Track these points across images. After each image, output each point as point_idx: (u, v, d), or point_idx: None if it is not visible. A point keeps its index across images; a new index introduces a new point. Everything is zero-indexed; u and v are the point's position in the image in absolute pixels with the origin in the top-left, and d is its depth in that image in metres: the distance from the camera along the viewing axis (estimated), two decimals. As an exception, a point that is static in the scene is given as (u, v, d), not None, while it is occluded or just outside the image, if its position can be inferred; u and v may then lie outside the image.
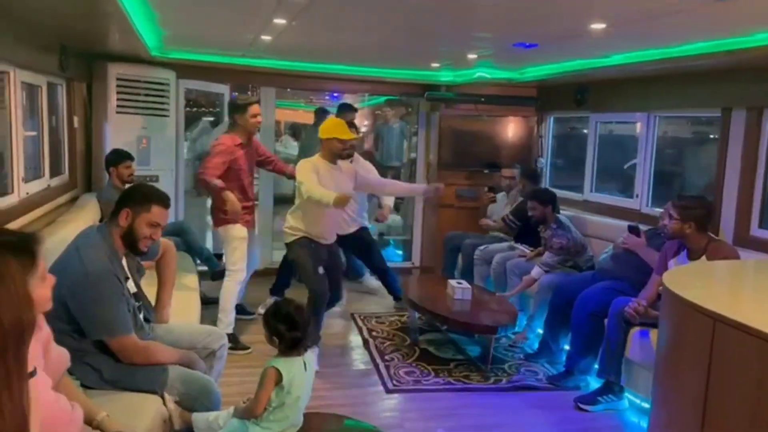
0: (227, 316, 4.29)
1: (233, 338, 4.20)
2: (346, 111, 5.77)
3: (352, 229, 5.16)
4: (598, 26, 3.26)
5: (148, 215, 2.56)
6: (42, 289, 1.42)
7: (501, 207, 5.67)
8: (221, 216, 4.30)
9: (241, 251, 4.35)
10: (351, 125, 5.37)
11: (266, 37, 4.18)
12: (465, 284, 4.58)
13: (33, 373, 1.41)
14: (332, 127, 4.05)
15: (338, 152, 4.04)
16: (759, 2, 2.61)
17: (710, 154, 4.89)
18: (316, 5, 3.01)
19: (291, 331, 2.47)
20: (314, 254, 4.02)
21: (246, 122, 4.32)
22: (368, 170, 4.86)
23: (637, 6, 2.83)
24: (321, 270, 4.01)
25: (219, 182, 4.16)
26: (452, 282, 4.62)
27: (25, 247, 1.34)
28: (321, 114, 8.38)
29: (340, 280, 4.34)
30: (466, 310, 4.36)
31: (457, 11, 3.18)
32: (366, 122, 8.86)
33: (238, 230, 4.33)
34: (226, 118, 5.85)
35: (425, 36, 3.99)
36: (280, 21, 3.51)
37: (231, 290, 4.32)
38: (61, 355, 1.91)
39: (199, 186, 4.34)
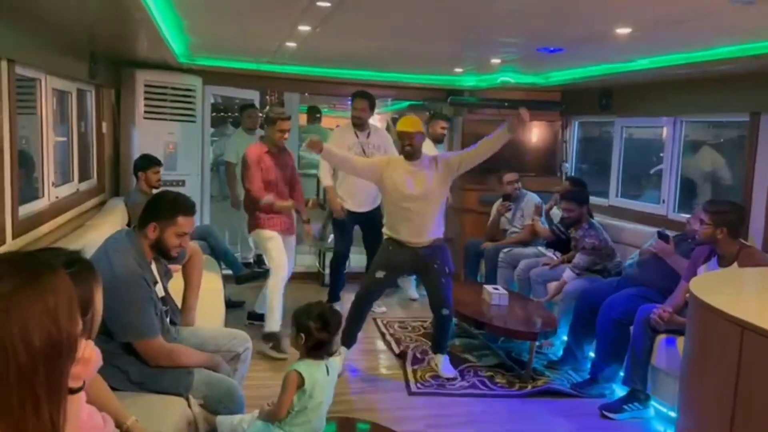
0: (273, 315, 4.36)
1: (275, 337, 4.30)
2: (438, 119, 5.62)
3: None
4: (623, 31, 3.23)
5: (175, 227, 2.60)
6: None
7: (513, 216, 5.58)
8: (252, 221, 4.51)
9: (276, 250, 4.45)
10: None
11: (291, 44, 4.22)
12: (501, 290, 4.56)
13: (81, 388, 1.36)
14: (398, 123, 3.99)
15: (401, 149, 3.97)
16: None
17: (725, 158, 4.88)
18: (340, 12, 3.03)
19: (320, 331, 2.48)
20: (385, 256, 4.02)
21: (272, 135, 4.48)
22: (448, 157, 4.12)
23: (663, 10, 2.81)
24: (380, 274, 3.98)
25: (269, 198, 4.38)
26: (488, 288, 4.59)
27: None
28: (313, 113, 8.40)
29: (442, 288, 3.99)
30: (505, 315, 4.34)
31: (484, 17, 3.18)
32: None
33: (266, 233, 4.46)
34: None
35: (450, 41, 4.00)
36: (304, 28, 3.55)
37: (275, 289, 4.41)
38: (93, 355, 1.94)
39: (249, 200, 4.50)
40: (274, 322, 4.33)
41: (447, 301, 4.02)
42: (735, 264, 3.34)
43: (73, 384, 1.28)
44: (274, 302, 4.38)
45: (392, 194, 3.90)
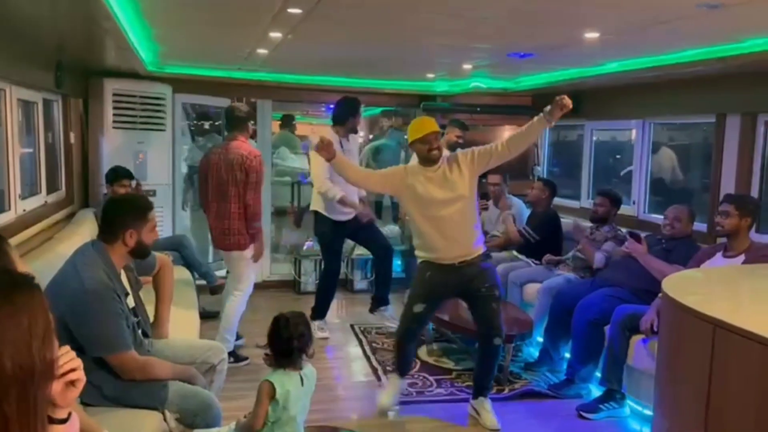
0: (232, 336, 4.24)
1: (234, 354, 4.18)
2: (455, 126, 5.32)
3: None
4: (592, 35, 3.28)
5: (149, 224, 2.63)
6: None
7: (493, 216, 5.63)
8: (241, 238, 4.14)
9: (251, 273, 4.33)
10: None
11: (262, 51, 4.20)
12: None
13: (65, 420, 1.25)
14: (411, 130, 3.46)
15: (425, 155, 3.39)
16: (750, 10, 2.63)
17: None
18: (311, 18, 3.02)
19: (274, 336, 2.44)
20: (422, 285, 3.52)
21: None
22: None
23: (631, 15, 2.86)
24: (419, 307, 3.48)
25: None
26: None
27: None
28: (287, 121, 8.36)
29: (495, 314, 3.49)
30: None
31: (455, 23, 3.20)
32: (361, 133, 8.87)
33: (247, 253, 4.24)
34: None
35: (422, 48, 4.02)
36: (275, 35, 3.53)
37: (240, 308, 4.26)
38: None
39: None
40: (231, 344, 4.17)
41: (499, 330, 3.49)
42: (742, 256, 3.37)
43: (57, 414, 1.22)
44: (234, 319, 4.23)
45: (419, 205, 3.42)
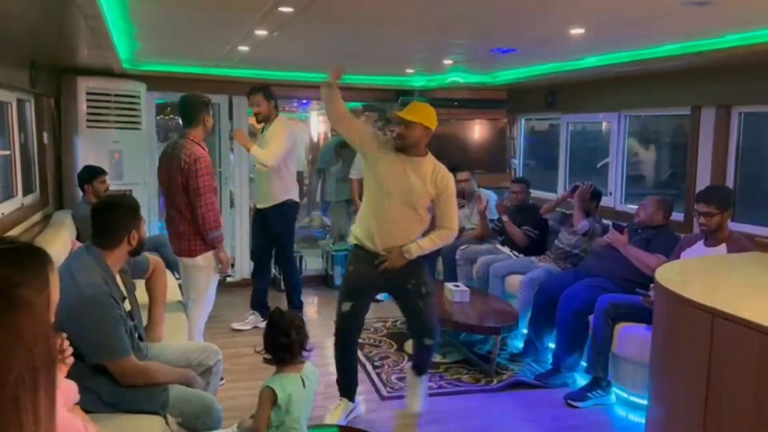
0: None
1: None
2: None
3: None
4: (577, 31, 3.33)
5: (142, 222, 2.66)
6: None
7: (468, 213, 5.69)
8: (193, 245, 3.69)
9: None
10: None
11: (243, 48, 4.15)
12: (462, 287, 4.62)
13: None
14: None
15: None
16: (734, 6, 2.70)
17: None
18: (300, 16, 3.00)
19: (267, 336, 2.44)
20: (348, 279, 3.34)
21: None
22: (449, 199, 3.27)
23: (617, 12, 2.91)
24: (346, 306, 3.29)
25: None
26: (449, 285, 4.65)
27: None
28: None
29: (422, 313, 3.30)
30: (467, 311, 4.39)
31: (442, 21, 3.22)
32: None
33: (200, 260, 3.72)
34: None
35: (407, 44, 4.02)
36: (261, 32, 3.50)
37: (198, 321, 3.81)
38: (69, 388, 1.87)
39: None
40: None
41: (430, 331, 3.31)
42: (723, 245, 3.47)
43: None
44: (199, 330, 3.80)
45: (371, 180, 3.22)
